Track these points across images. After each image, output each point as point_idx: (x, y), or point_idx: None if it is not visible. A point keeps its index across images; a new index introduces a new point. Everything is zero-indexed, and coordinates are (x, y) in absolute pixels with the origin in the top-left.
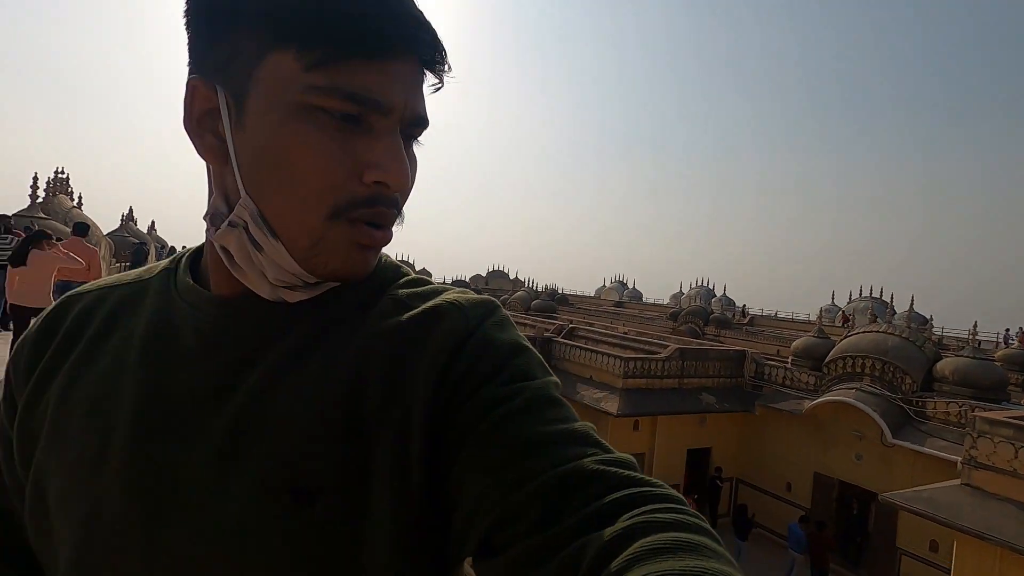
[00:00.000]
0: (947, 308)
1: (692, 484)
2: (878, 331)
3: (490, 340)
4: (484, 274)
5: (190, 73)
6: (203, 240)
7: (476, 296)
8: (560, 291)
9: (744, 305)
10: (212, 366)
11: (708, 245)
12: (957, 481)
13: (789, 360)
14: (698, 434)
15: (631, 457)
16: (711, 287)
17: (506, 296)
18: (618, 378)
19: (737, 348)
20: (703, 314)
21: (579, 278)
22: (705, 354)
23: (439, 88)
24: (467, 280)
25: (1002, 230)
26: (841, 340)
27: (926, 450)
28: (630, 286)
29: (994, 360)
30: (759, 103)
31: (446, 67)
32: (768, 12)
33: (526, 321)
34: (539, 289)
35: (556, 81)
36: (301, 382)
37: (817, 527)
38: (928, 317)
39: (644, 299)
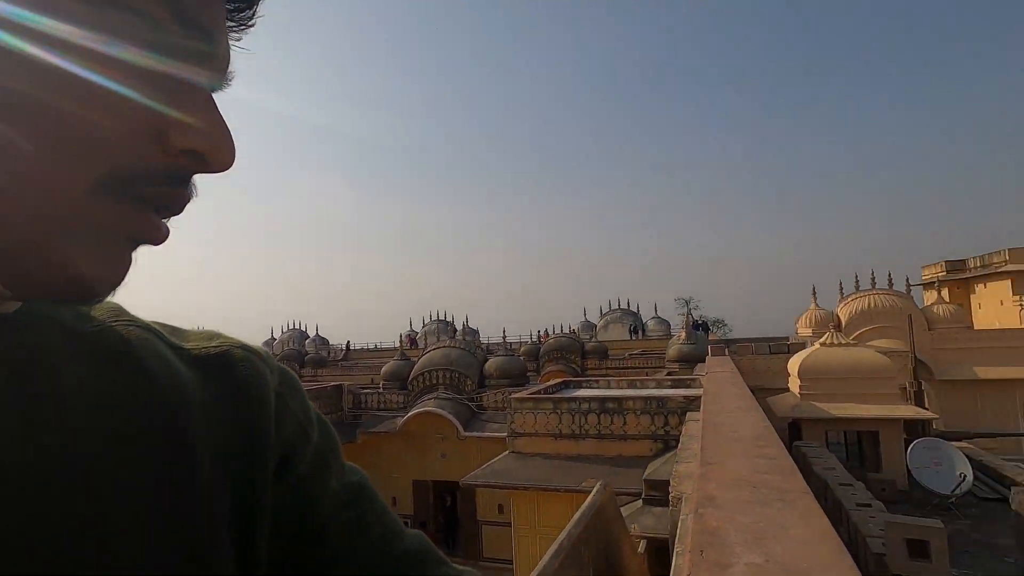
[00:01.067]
0: (488, 321)
1: None
2: (444, 346)
3: (303, 405)
4: None
5: None
6: None
7: (251, 343)
8: None
9: (348, 341)
10: None
11: (296, 285)
12: (507, 452)
13: (381, 385)
14: None
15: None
16: (303, 328)
17: None
18: None
19: (334, 383)
20: (298, 356)
21: None
22: None
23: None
24: None
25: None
26: (420, 359)
27: (487, 434)
28: None
29: (519, 355)
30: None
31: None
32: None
33: None
34: None
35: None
36: (19, 445)
37: (420, 527)
38: (477, 329)
39: None
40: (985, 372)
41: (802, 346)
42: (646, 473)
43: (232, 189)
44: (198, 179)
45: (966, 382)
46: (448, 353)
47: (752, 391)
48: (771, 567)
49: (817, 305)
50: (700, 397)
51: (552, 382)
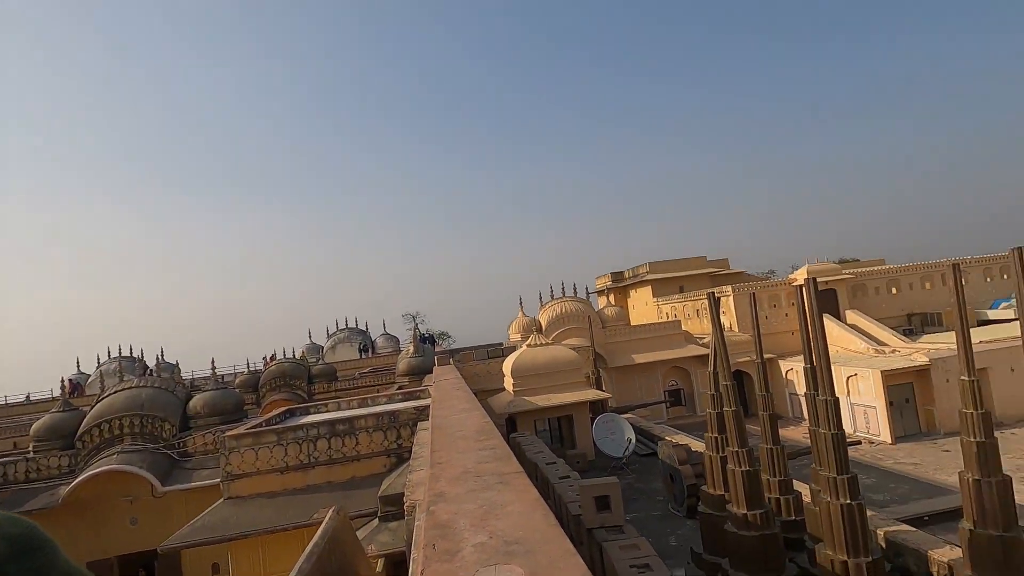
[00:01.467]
0: (192, 352)
1: None
2: (130, 387)
3: None
4: None
5: None
6: None
7: None
8: None
9: None
10: None
11: None
12: (222, 499)
13: (31, 448)
14: None
15: None
16: None
17: None
18: None
19: None
20: None
21: None
22: None
23: None
24: None
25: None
26: (92, 407)
27: (195, 485)
28: None
29: (234, 388)
30: None
31: None
32: None
33: None
34: None
35: None
36: None
37: None
38: (175, 363)
39: None
40: (639, 358)
41: (513, 349)
42: (381, 490)
43: None
44: None
45: (628, 367)
46: (136, 395)
47: (475, 393)
48: (494, 542)
49: (524, 313)
50: (430, 406)
51: (274, 412)
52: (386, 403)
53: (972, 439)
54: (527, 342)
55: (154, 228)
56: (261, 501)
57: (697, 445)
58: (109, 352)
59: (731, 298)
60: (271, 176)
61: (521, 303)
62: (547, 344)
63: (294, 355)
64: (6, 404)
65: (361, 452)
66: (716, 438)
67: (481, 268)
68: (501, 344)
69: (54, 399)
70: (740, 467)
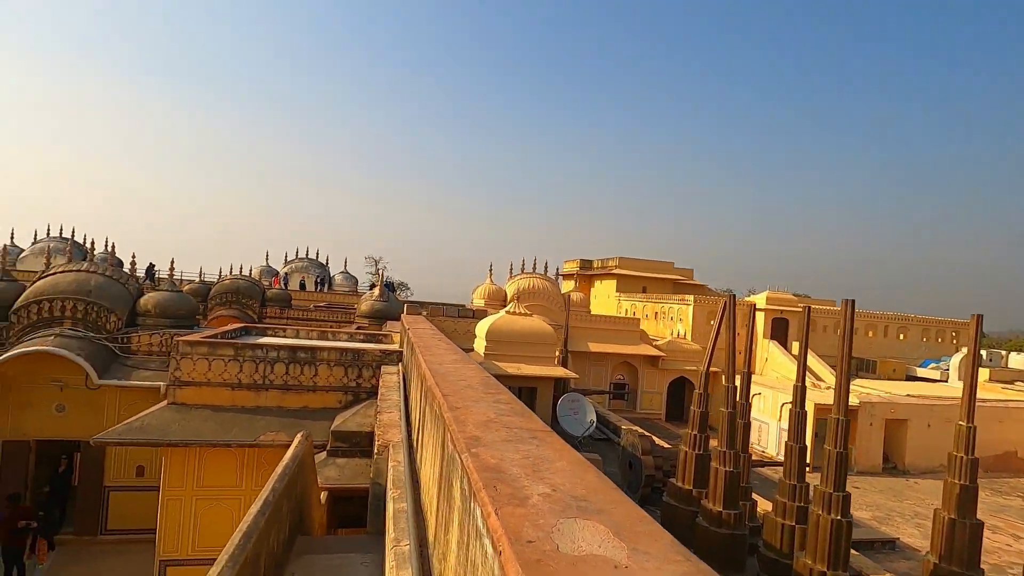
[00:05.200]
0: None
1: None
2: (79, 270)
3: None
4: None
5: None
6: None
7: None
8: None
9: None
10: None
11: None
12: (164, 403)
13: None
14: None
15: None
16: None
17: None
18: None
19: None
20: None
21: None
22: None
23: None
24: None
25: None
26: (35, 282)
27: (133, 383)
28: None
29: (185, 293)
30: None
31: None
32: None
33: None
34: None
35: None
36: None
37: (10, 500)
38: (122, 260)
39: None
40: (595, 346)
41: (479, 313)
42: (334, 425)
43: None
44: None
45: (583, 353)
46: (85, 279)
47: None
48: (559, 495)
49: (492, 280)
50: (395, 352)
51: (230, 327)
52: (347, 340)
53: (957, 481)
54: (507, 309)
55: (119, 114)
56: (206, 413)
57: (655, 439)
58: (48, 231)
59: (691, 307)
60: (249, 77)
61: (491, 270)
62: (526, 314)
63: (250, 274)
64: None
65: (318, 384)
66: (695, 435)
67: (446, 228)
68: (463, 306)
69: None
70: (725, 467)
